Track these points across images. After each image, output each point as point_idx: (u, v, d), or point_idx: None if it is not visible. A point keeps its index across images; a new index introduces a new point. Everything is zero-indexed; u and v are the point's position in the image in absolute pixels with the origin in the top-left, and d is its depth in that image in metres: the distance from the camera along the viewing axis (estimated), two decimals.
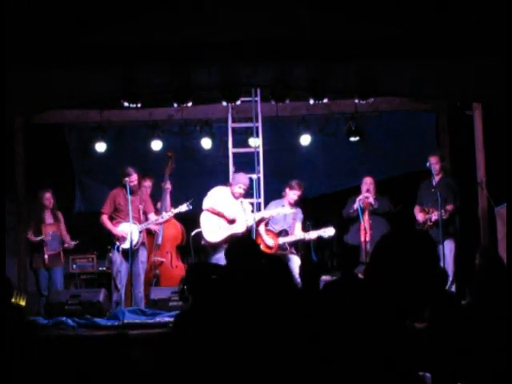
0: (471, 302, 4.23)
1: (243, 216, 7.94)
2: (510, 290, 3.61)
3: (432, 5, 6.78)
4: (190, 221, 8.85)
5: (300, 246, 8.61)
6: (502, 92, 6.37)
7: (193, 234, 8.36)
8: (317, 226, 8.34)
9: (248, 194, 8.17)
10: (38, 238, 8.41)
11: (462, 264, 8.05)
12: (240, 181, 8.03)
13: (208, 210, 8.01)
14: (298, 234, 8.32)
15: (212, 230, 7.94)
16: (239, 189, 8.00)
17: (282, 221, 8.40)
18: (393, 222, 8.45)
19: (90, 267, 9.33)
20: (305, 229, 8.36)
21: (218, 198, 8.03)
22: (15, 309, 4.63)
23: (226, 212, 7.96)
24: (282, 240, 8.27)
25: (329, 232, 8.17)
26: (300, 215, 8.46)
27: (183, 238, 9.09)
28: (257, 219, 7.97)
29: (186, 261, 9.21)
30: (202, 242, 8.14)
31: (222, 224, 7.94)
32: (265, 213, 8.18)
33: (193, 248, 8.60)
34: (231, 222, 7.93)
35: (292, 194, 8.35)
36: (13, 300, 4.63)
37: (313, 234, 8.21)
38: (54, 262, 8.52)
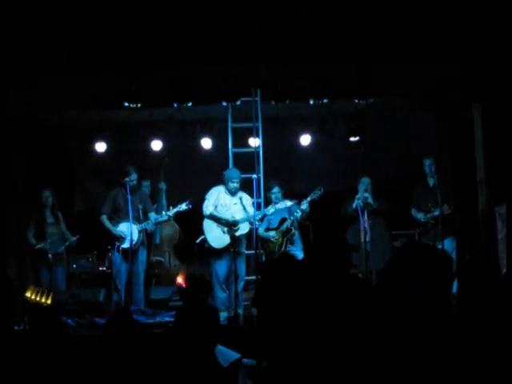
0: None
1: (244, 215, 7.88)
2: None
3: (431, 6, 6.80)
4: (186, 220, 8.85)
5: None
6: (502, 92, 6.39)
7: (198, 241, 8.31)
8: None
9: (248, 193, 8.15)
10: (39, 246, 8.44)
11: (462, 262, 8.05)
12: (231, 176, 8.01)
13: (209, 218, 7.97)
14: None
15: (216, 236, 7.89)
16: (233, 183, 7.97)
17: (285, 215, 8.29)
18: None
19: (89, 267, 9.33)
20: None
21: (216, 201, 7.99)
22: (47, 310, 4.47)
23: (226, 217, 7.89)
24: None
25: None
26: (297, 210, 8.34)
27: (180, 238, 9.08)
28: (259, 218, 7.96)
29: (184, 260, 9.24)
30: (206, 245, 8.08)
31: (224, 229, 7.89)
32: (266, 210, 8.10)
33: (197, 254, 8.63)
34: (233, 225, 7.86)
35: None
36: (39, 299, 4.46)
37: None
38: (57, 261, 8.56)
